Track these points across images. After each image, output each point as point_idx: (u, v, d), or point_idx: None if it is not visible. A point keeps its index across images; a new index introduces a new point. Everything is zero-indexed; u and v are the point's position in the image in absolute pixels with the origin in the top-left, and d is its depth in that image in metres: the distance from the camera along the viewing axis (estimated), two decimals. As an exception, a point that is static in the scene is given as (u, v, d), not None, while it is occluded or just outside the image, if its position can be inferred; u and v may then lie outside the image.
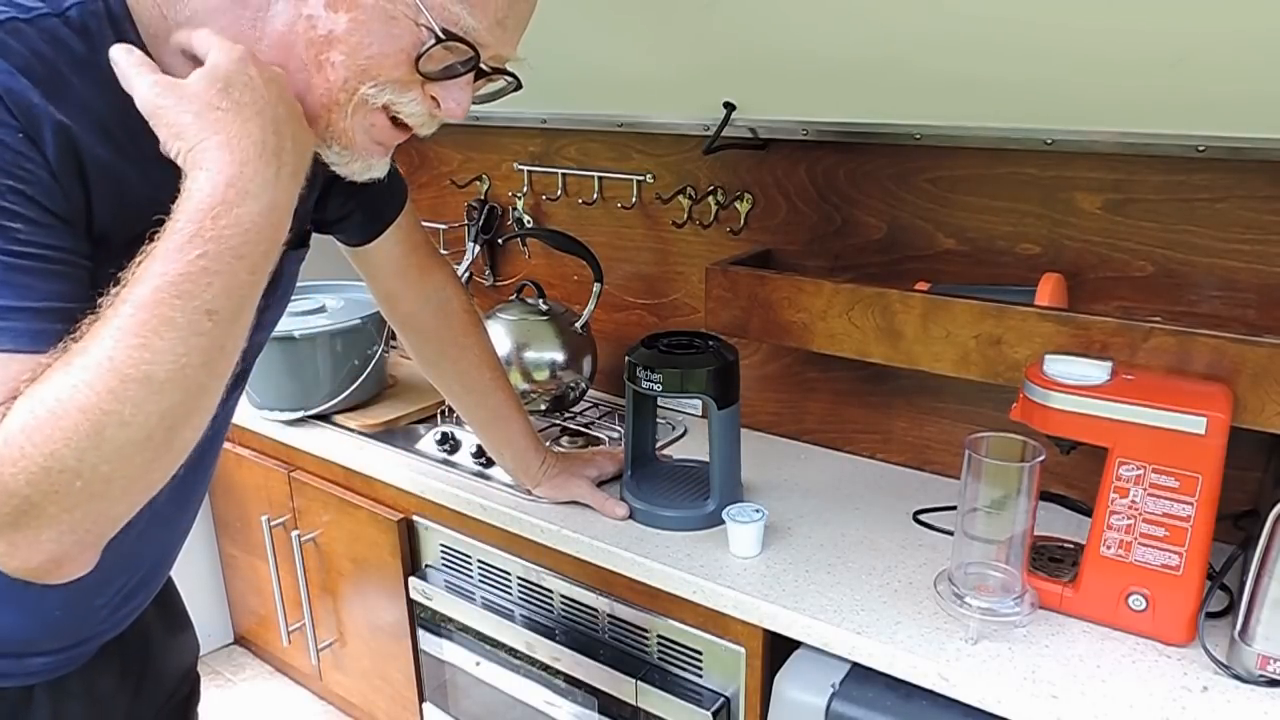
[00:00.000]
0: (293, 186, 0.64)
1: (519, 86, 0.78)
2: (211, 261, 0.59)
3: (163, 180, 0.68)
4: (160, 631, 1.01)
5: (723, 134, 1.47)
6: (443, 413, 1.76)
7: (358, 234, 1.09)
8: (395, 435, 1.69)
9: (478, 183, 1.97)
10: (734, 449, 1.34)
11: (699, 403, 1.68)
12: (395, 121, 0.72)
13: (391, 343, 2.06)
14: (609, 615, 1.35)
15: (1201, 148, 1.17)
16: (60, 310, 0.62)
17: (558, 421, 1.68)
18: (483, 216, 1.96)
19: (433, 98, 0.72)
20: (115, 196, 0.67)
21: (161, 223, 0.69)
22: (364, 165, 0.74)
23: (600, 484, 1.40)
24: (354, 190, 0.94)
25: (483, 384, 1.27)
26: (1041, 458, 1.03)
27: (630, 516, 1.34)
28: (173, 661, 1.04)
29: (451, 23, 0.69)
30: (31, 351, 0.60)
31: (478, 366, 1.26)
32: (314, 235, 1.08)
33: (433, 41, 0.68)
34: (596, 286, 1.63)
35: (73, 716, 0.88)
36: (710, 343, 1.33)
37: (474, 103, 0.77)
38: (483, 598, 1.51)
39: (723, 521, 1.26)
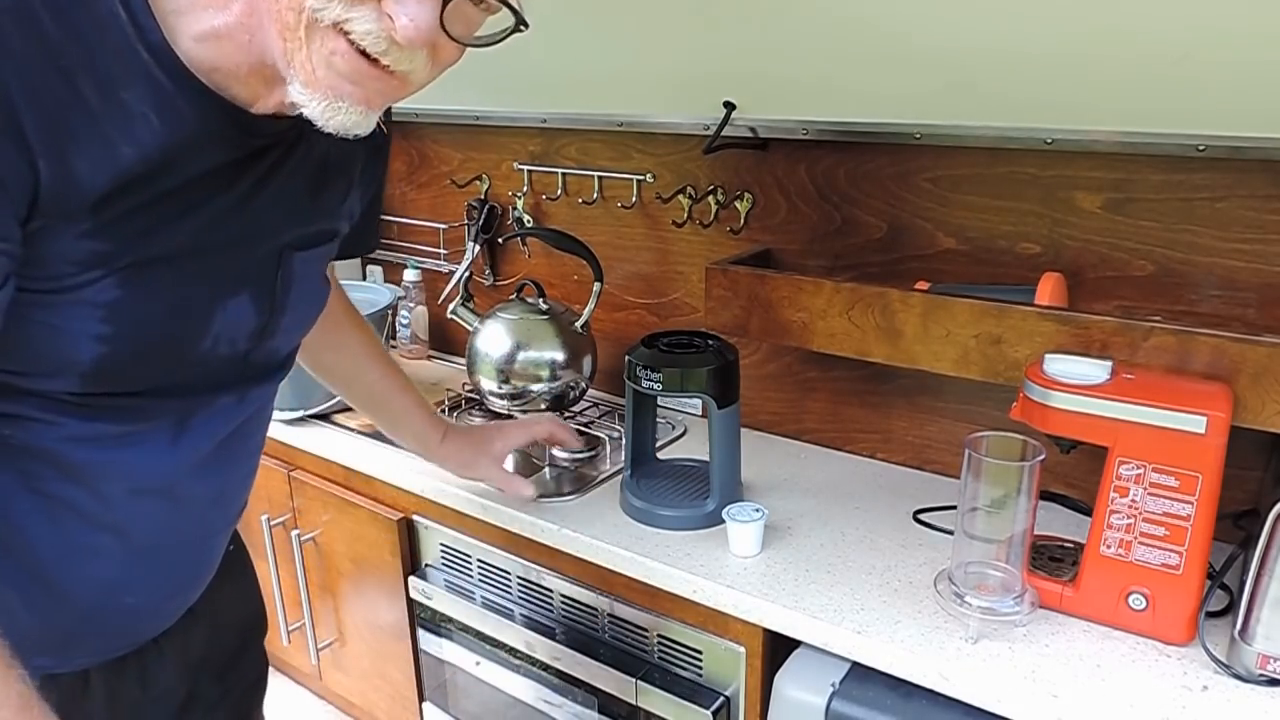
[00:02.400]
0: None
1: (520, 23, 0.68)
2: None
3: (132, 133, 0.66)
4: (228, 616, 1.00)
5: (723, 134, 1.47)
6: (443, 413, 1.76)
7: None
8: (395, 435, 1.69)
9: (478, 182, 1.97)
10: (734, 448, 1.34)
11: (699, 402, 1.68)
12: (364, 55, 0.65)
13: (391, 342, 2.06)
14: (609, 615, 1.35)
15: (1201, 147, 1.17)
16: None
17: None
18: (483, 216, 1.96)
19: (390, 16, 0.63)
20: (66, 153, 0.63)
21: (129, 185, 0.67)
22: (330, 107, 0.67)
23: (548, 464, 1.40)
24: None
25: (367, 368, 1.23)
26: (1041, 457, 1.03)
27: (539, 497, 1.31)
28: (239, 648, 1.03)
29: None
30: None
31: (359, 350, 1.22)
32: None
33: None
34: (596, 286, 1.63)
35: (130, 700, 0.88)
36: (710, 342, 1.33)
37: (474, 45, 0.69)
38: (483, 597, 1.51)
39: (723, 521, 1.26)
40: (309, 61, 0.65)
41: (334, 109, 0.67)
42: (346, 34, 0.64)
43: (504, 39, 0.69)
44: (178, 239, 0.72)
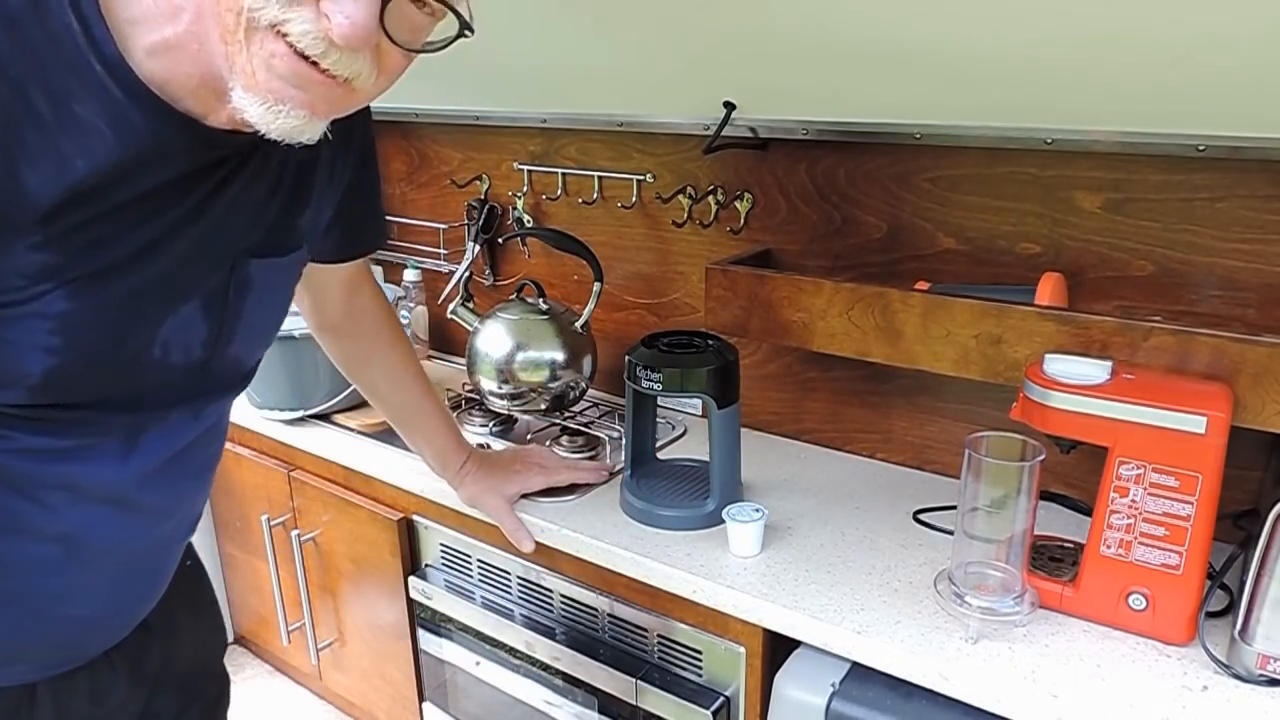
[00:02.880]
0: None
1: (465, 29, 0.68)
2: None
3: (84, 145, 0.65)
4: (186, 631, 0.99)
5: (723, 134, 1.46)
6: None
7: (332, 251, 1.03)
8: (395, 435, 1.67)
9: (478, 182, 1.97)
10: (734, 448, 1.34)
11: (699, 402, 1.68)
12: (303, 58, 0.64)
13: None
14: (609, 615, 1.35)
15: (1201, 147, 1.17)
16: None
17: (558, 421, 1.68)
18: (483, 216, 1.96)
19: (326, 17, 0.62)
20: (16, 166, 0.63)
21: (92, 200, 0.66)
22: (272, 111, 0.65)
23: (571, 486, 1.41)
24: (339, 212, 0.93)
25: (402, 387, 1.26)
26: (1041, 457, 1.03)
27: (535, 549, 1.35)
28: (197, 663, 1.02)
29: None
30: None
31: (398, 371, 1.25)
32: None
33: None
34: (596, 286, 1.63)
35: (79, 715, 0.87)
36: (710, 342, 1.33)
37: (420, 51, 0.69)
38: (483, 597, 1.51)
39: (723, 521, 1.26)
40: (249, 64, 0.63)
41: (275, 112, 0.65)
42: (284, 35, 0.62)
43: (448, 45, 0.68)
44: (129, 250, 0.71)
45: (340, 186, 0.93)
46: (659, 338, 1.35)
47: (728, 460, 1.33)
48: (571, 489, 1.42)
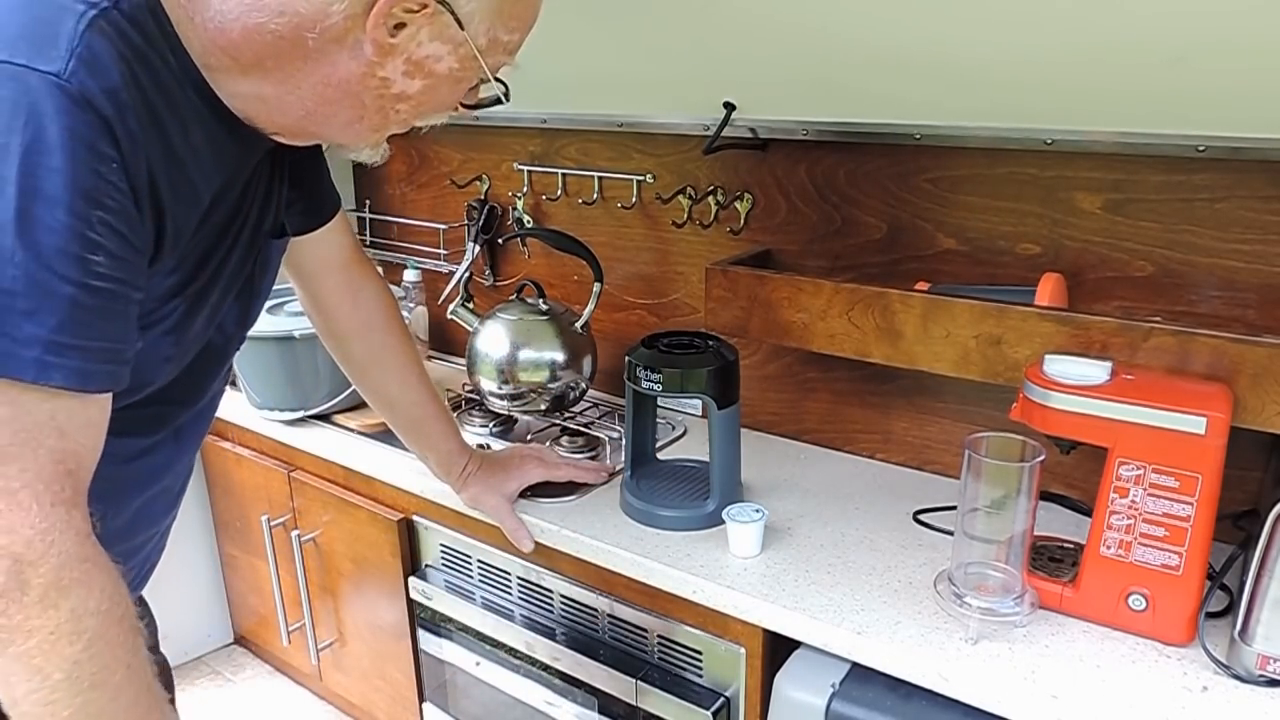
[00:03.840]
0: None
1: (505, 98, 0.86)
2: None
3: (202, 170, 0.74)
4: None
5: (723, 134, 1.47)
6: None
7: (299, 223, 1.06)
8: (395, 435, 1.68)
9: (478, 183, 1.97)
10: (734, 449, 1.34)
11: (699, 403, 1.68)
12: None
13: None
14: (609, 615, 1.35)
15: (1201, 148, 1.17)
16: (109, 351, 0.66)
17: (558, 421, 1.68)
18: (483, 216, 1.96)
19: (455, 107, 0.81)
20: (174, 206, 0.70)
21: (206, 220, 0.76)
22: (379, 155, 0.84)
23: (572, 485, 1.42)
24: (296, 180, 0.98)
25: (410, 389, 1.27)
26: (1041, 458, 1.03)
27: (535, 550, 1.35)
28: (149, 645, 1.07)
29: (498, 69, 0.78)
30: (77, 390, 0.64)
31: (405, 372, 1.25)
32: None
33: (494, 95, 0.79)
34: (596, 286, 1.63)
35: None
36: (710, 343, 1.33)
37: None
38: (483, 598, 1.51)
39: (723, 521, 1.26)
40: (382, 139, 0.81)
41: (379, 154, 0.84)
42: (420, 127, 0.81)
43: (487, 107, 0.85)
44: (219, 259, 0.80)
45: (291, 154, 0.98)
46: (659, 338, 1.35)
47: (728, 461, 1.33)
48: (571, 489, 1.42)
